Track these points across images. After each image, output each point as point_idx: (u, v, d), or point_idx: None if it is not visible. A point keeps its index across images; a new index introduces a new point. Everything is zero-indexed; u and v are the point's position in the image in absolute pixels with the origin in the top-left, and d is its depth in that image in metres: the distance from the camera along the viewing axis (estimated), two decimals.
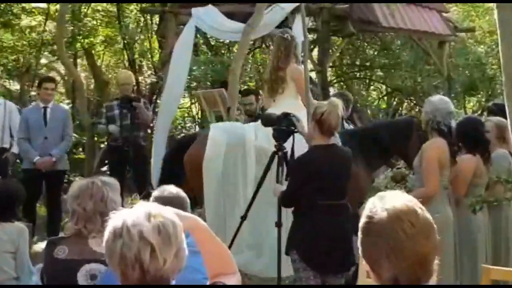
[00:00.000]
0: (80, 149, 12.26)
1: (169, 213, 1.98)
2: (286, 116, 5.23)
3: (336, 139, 4.99)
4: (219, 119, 8.09)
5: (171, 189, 3.27)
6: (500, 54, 3.08)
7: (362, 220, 2.11)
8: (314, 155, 4.79)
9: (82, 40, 13.27)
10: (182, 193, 3.29)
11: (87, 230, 3.17)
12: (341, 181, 4.78)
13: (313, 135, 4.85)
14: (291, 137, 5.26)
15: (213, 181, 6.06)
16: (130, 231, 1.88)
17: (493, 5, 12.26)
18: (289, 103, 6.05)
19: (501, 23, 3.06)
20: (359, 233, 2.12)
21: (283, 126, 5.18)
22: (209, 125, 6.96)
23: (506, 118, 5.84)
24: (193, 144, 6.26)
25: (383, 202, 2.07)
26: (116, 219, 1.93)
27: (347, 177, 4.88)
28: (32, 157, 7.15)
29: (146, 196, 3.53)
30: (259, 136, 6.12)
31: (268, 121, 5.43)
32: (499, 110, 6.23)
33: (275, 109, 5.88)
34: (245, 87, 13.14)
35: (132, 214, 1.93)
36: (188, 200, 3.27)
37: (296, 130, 5.23)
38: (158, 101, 13.18)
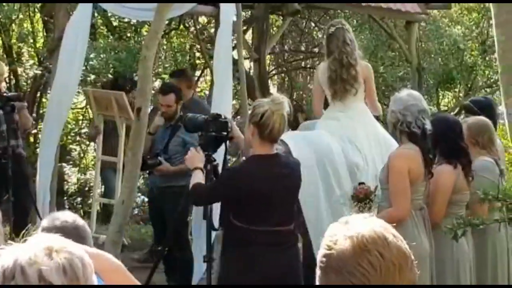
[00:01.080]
0: None
1: (77, 248, 1.95)
2: (216, 118, 5.24)
3: (281, 147, 5.03)
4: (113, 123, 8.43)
5: (66, 217, 3.24)
6: (496, 42, 3.15)
7: (320, 252, 2.12)
8: (250, 168, 4.81)
9: None
10: (80, 221, 3.27)
11: None
12: (285, 202, 4.81)
13: (251, 142, 4.85)
14: (223, 145, 5.27)
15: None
16: (26, 272, 1.84)
17: None
18: (363, 108, 6.45)
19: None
20: (317, 268, 2.13)
21: (212, 132, 5.19)
22: None
23: (489, 117, 6.07)
24: None
25: (347, 228, 2.09)
26: (6, 256, 1.88)
27: (294, 197, 4.91)
28: None
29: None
30: (346, 148, 6.25)
31: (193, 125, 5.44)
32: (479, 108, 6.41)
33: (347, 114, 6.32)
34: (159, 80, 13.16)
35: (28, 250, 1.88)
36: (89, 230, 3.25)
37: (228, 136, 5.24)
38: (43, 99, 12.99)
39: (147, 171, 7.68)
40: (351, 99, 6.46)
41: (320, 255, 2.11)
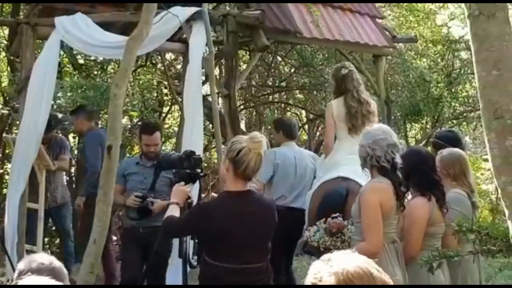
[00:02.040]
0: None
1: None
2: (189, 155, 5.26)
3: (255, 185, 5.05)
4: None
5: (43, 259, 3.23)
6: (476, 77, 3.19)
7: None
8: (220, 204, 4.81)
9: None
10: (57, 263, 3.26)
11: None
12: (255, 239, 4.80)
13: (224, 178, 4.87)
14: (197, 183, 5.29)
15: None
16: None
17: (435, 7, 12.71)
18: None
19: (475, 37, 3.15)
20: None
21: (186, 169, 5.20)
22: None
23: (460, 147, 6.15)
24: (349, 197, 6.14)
25: (330, 265, 2.11)
26: None
27: (266, 234, 4.91)
28: None
29: None
30: None
31: (166, 162, 5.46)
32: (446, 142, 6.47)
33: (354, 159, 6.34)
34: (127, 118, 13.13)
35: None
36: (65, 271, 3.25)
37: (202, 173, 5.26)
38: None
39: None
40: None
41: None
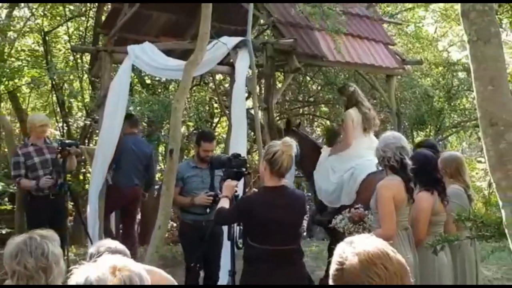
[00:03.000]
0: (6, 199, 11.93)
1: (136, 266, 1.94)
2: (236, 157, 5.25)
3: (289, 181, 5.03)
4: None
5: (109, 244, 3.24)
6: (475, 92, 3.19)
7: (332, 267, 2.11)
8: (260, 197, 4.81)
9: (6, 82, 13.03)
10: (120, 246, 3.27)
11: None
12: (289, 226, 4.77)
13: (263, 176, 4.86)
14: (242, 180, 5.27)
15: None
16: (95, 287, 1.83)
17: (437, 35, 12.60)
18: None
19: (474, 58, 3.17)
20: (330, 281, 2.12)
21: (234, 168, 5.19)
22: None
23: (434, 152, 6.09)
24: None
25: (353, 247, 2.09)
26: (79, 274, 1.88)
27: (297, 221, 4.90)
28: None
29: None
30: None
31: (218, 163, 5.45)
32: (426, 146, 6.40)
33: (370, 144, 7.17)
34: (185, 127, 13.19)
35: (96, 269, 1.88)
36: (128, 252, 3.24)
37: (246, 171, 5.25)
38: (90, 145, 13.03)
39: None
40: (372, 133, 7.74)
41: (332, 270, 2.11)
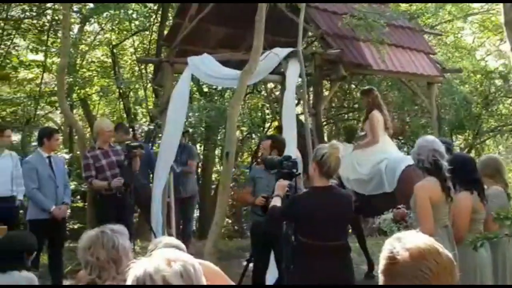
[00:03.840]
0: (78, 197, 12.19)
1: (188, 257, 1.96)
2: (288, 159, 5.22)
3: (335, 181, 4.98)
4: None
5: (166, 240, 3.26)
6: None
7: (382, 262, 2.08)
8: (309, 196, 4.77)
9: (78, 91, 13.32)
10: (176, 241, 3.28)
11: (102, 280, 3.14)
12: (336, 223, 4.71)
13: (312, 176, 4.83)
14: (293, 180, 5.23)
15: None
16: (153, 277, 1.85)
17: (475, 45, 12.36)
18: None
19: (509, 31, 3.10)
20: (380, 275, 2.09)
21: (285, 169, 5.15)
22: None
23: (448, 150, 5.95)
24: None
25: (403, 243, 2.05)
26: (137, 268, 1.90)
27: (344, 219, 4.84)
28: (48, 207, 7.10)
29: None
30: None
31: (270, 164, 5.43)
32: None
33: (390, 142, 7.95)
34: (239, 131, 13.24)
35: (152, 262, 1.90)
36: (184, 247, 3.25)
37: (298, 173, 5.22)
38: (154, 148, 13.18)
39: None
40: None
41: (383, 264, 2.07)
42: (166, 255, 1.93)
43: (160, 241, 3.27)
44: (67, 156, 11.92)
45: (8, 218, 7.16)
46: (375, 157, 7.74)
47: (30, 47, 13.04)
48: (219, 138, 13.37)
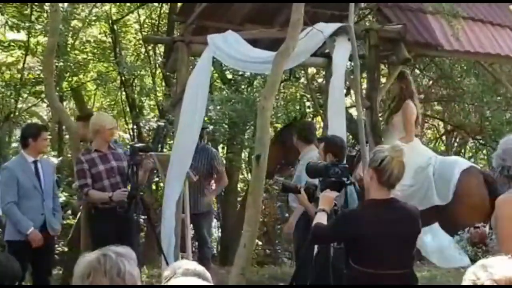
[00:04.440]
0: (69, 212, 12.25)
1: None
2: (335, 164, 5.21)
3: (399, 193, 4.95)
4: None
5: (187, 265, 3.28)
6: None
7: None
8: (366, 212, 4.75)
9: (70, 78, 13.40)
10: (200, 268, 3.30)
11: None
12: (400, 245, 4.70)
13: (369, 187, 4.80)
14: (343, 191, 5.23)
15: None
16: None
17: None
18: None
19: None
20: None
21: (332, 177, 5.14)
22: None
23: None
24: None
25: (489, 273, 2.05)
26: None
27: (410, 241, 4.81)
28: (26, 228, 7.17)
29: None
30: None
31: (314, 171, 5.41)
32: None
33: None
34: (272, 129, 13.23)
35: None
36: (208, 274, 3.26)
37: (349, 181, 5.20)
38: (164, 150, 13.20)
39: None
40: None
41: None
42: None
43: (180, 267, 3.27)
44: (55, 160, 12.01)
45: None
46: (415, 161, 7.48)
47: (10, 23, 13.15)
48: (246, 137, 13.40)
